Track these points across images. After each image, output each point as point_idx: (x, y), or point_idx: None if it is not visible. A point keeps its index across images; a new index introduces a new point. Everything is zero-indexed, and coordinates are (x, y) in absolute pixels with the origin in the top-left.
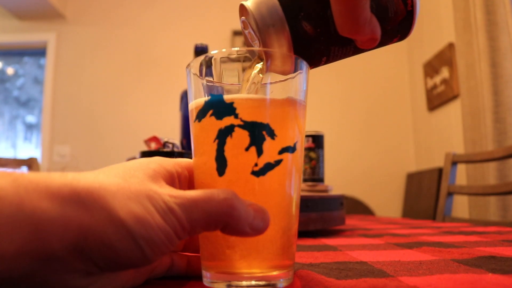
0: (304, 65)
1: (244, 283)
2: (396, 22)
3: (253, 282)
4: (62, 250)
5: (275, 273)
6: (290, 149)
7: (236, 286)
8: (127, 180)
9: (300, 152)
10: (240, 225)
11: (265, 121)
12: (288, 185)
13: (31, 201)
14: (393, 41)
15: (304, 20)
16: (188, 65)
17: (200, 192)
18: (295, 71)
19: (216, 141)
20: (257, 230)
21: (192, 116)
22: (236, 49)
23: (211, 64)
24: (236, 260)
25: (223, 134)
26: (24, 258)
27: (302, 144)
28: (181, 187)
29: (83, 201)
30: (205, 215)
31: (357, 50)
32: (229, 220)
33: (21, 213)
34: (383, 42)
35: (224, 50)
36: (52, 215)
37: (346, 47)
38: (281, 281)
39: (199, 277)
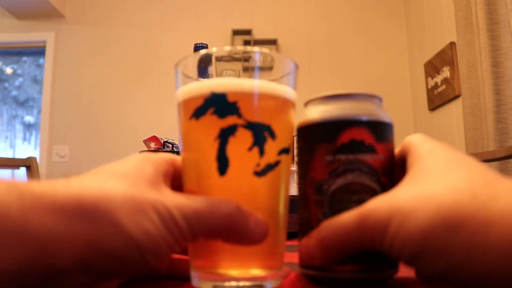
0: (295, 66)
1: (232, 283)
2: None
3: (241, 283)
4: (68, 266)
5: (263, 273)
6: (287, 150)
7: (223, 287)
8: (130, 188)
9: (292, 153)
10: (241, 238)
11: (267, 121)
12: (282, 185)
13: (37, 219)
14: None
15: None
16: (176, 64)
17: (203, 202)
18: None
19: (218, 140)
20: (256, 241)
21: (186, 113)
22: (228, 48)
23: (202, 63)
24: (224, 261)
25: (226, 133)
26: (27, 274)
27: (293, 145)
28: (173, 184)
29: (89, 214)
30: (207, 228)
31: None
32: (230, 234)
33: (26, 231)
34: None
35: (214, 49)
36: (58, 231)
37: None
38: (269, 281)
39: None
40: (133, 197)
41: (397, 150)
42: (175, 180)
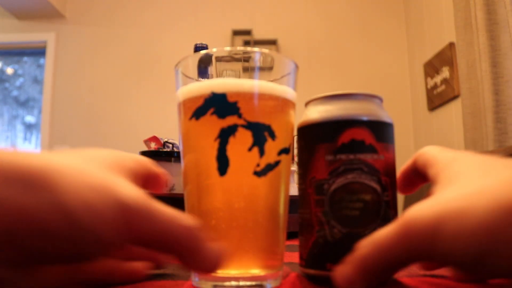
0: (295, 66)
1: (232, 283)
2: None
3: (241, 283)
4: None
5: (263, 273)
6: (287, 150)
7: (223, 286)
8: (85, 165)
9: (291, 154)
10: (192, 259)
11: (267, 122)
12: (282, 185)
13: None
14: None
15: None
16: (177, 64)
17: (166, 207)
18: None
19: (218, 140)
20: (206, 268)
21: (186, 113)
22: (228, 48)
23: (202, 63)
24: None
25: (226, 133)
26: None
27: (293, 146)
28: (137, 184)
29: (28, 180)
30: (158, 230)
31: None
32: (182, 251)
33: None
34: None
35: (214, 49)
36: None
37: None
38: (269, 281)
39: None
40: (83, 172)
41: (408, 163)
42: (144, 183)
